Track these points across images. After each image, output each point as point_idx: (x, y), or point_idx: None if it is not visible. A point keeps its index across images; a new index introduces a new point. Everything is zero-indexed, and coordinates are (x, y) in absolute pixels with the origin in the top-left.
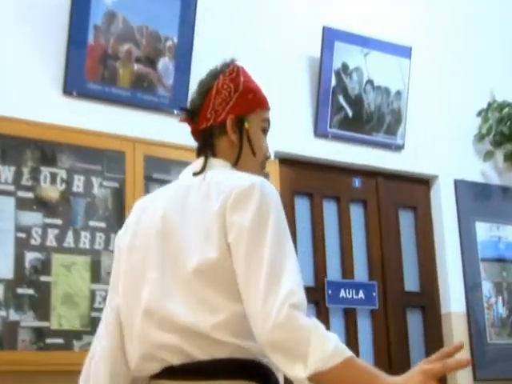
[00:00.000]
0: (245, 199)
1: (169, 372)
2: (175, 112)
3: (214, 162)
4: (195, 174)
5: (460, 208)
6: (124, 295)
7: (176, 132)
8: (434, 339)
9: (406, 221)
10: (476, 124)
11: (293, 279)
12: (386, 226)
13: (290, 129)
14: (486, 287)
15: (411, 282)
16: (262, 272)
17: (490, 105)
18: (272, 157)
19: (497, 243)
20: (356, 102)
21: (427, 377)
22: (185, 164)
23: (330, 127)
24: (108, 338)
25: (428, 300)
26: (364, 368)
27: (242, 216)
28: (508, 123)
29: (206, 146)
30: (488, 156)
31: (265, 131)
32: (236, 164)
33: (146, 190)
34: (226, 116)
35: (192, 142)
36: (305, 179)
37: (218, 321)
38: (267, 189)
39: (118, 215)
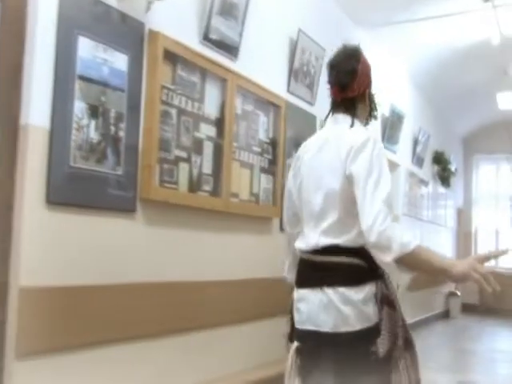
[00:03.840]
0: (362, 149)
1: (310, 251)
2: None
3: (355, 121)
4: (351, 126)
5: (62, 15)
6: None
7: None
8: (11, 155)
9: None
10: None
11: (385, 200)
12: None
13: None
14: (79, 108)
15: None
16: (368, 198)
17: None
18: None
19: (101, 65)
20: None
21: (474, 264)
22: None
23: None
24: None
25: (3, 105)
26: (430, 251)
27: (360, 161)
28: None
29: (352, 108)
30: None
31: None
32: (369, 119)
33: None
34: (365, 89)
35: None
36: None
37: (334, 219)
38: (377, 141)
39: None
